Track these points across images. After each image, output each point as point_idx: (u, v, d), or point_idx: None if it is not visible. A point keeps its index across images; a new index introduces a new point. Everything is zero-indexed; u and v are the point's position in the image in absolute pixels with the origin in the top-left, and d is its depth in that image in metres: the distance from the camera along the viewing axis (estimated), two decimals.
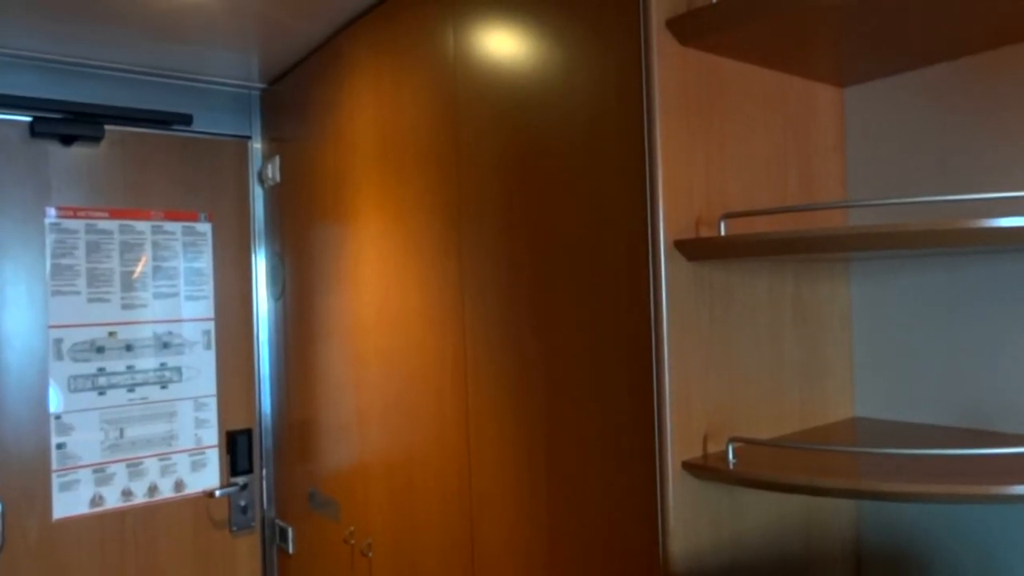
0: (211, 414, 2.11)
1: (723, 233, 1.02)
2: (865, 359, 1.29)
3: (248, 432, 2.16)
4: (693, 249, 1.03)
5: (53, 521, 1.88)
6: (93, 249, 1.95)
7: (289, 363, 2.08)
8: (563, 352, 1.17)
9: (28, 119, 1.88)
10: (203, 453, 2.09)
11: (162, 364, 2.04)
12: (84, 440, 1.92)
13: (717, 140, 1.11)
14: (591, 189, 1.12)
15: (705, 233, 1.08)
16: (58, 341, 1.90)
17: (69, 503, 1.90)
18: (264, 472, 2.18)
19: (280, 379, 2.13)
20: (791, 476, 0.96)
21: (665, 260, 1.03)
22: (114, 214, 1.99)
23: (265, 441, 2.18)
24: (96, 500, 1.93)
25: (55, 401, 1.89)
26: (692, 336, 1.06)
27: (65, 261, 1.92)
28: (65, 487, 1.89)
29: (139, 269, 2.01)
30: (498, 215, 1.29)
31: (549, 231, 1.19)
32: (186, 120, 2.09)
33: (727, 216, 1.03)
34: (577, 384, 1.15)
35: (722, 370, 1.10)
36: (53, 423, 1.88)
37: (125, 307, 1.99)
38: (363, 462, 1.72)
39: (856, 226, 0.91)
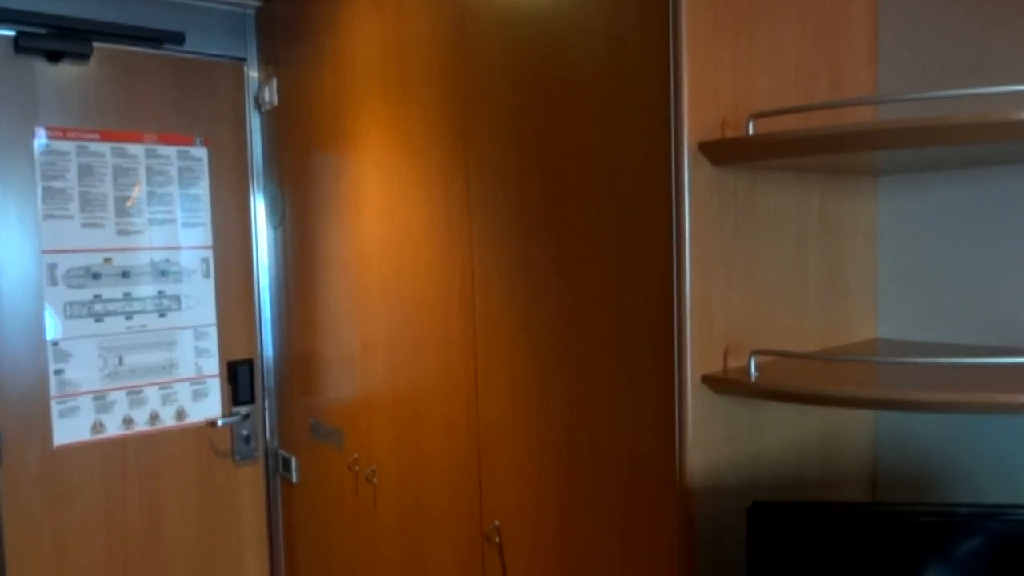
0: (211, 344, 2.07)
1: (751, 132, 0.96)
2: (889, 278, 1.24)
3: (249, 363, 2.13)
4: (719, 151, 0.96)
5: (54, 448, 1.86)
6: (85, 172, 1.88)
7: (290, 293, 2.03)
8: (578, 266, 1.12)
9: (11, 33, 1.79)
10: (204, 383, 2.06)
11: (160, 292, 1.99)
12: (82, 367, 1.88)
13: (746, 40, 1.04)
14: (610, 91, 1.05)
15: (731, 135, 1.02)
16: (52, 266, 1.84)
17: (69, 430, 1.87)
18: (266, 403, 2.16)
19: (281, 309, 2.09)
20: (813, 387, 0.92)
21: (688, 164, 0.97)
22: (105, 136, 1.91)
23: (267, 372, 2.15)
24: (97, 427, 1.91)
25: (51, 328, 1.85)
26: (715, 246, 1.00)
27: (56, 184, 1.85)
28: (65, 414, 1.87)
29: (133, 194, 1.95)
30: (508, 125, 1.23)
31: (563, 138, 1.13)
32: (178, 39, 1.99)
33: (756, 116, 0.96)
34: (593, 298, 1.10)
35: (744, 283, 1.05)
36: (50, 350, 1.85)
37: (120, 233, 1.93)
38: (367, 390, 1.69)
39: (891, 120, 0.85)
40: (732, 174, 1.02)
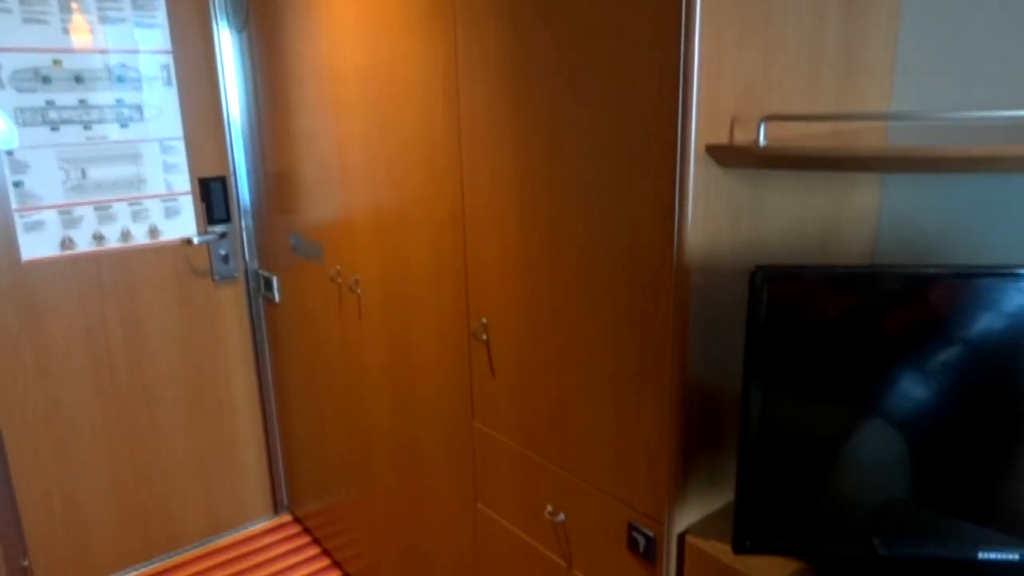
0: (180, 158, 1.96)
1: None
2: (909, 58, 1.15)
3: (222, 180, 2.03)
4: None
5: (22, 262, 1.79)
6: None
7: (261, 103, 1.89)
8: (576, 25, 1.01)
9: None
10: (175, 200, 1.97)
11: (119, 100, 1.85)
12: (43, 179, 1.78)
13: None
14: None
15: None
16: None
17: (37, 244, 1.80)
18: (243, 222, 2.08)
19: (253, 121, 1.96)
20: (822, 150, 0.85)
21: None
22: None
23: (241, 190, 2.06)
24: (66, 243, 1.83)
25: (4, 136, 1.72)
26: None
27: None
28: (30, 228, 1.78)
29: None
30: None
31: None
32: None
33: None
34: (589, 61, 1.00)
35: (757, 46, 0.95)
36: (5, 159, 1.73)
37: (67, 32, 1.76)
38: (348, 198, 1.61)
39: None
40: None
